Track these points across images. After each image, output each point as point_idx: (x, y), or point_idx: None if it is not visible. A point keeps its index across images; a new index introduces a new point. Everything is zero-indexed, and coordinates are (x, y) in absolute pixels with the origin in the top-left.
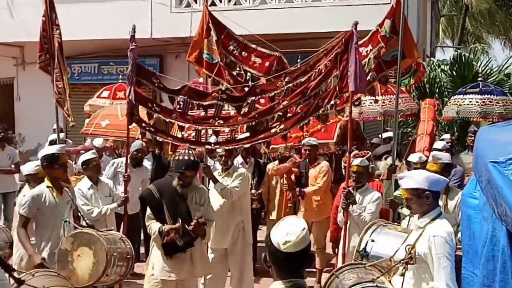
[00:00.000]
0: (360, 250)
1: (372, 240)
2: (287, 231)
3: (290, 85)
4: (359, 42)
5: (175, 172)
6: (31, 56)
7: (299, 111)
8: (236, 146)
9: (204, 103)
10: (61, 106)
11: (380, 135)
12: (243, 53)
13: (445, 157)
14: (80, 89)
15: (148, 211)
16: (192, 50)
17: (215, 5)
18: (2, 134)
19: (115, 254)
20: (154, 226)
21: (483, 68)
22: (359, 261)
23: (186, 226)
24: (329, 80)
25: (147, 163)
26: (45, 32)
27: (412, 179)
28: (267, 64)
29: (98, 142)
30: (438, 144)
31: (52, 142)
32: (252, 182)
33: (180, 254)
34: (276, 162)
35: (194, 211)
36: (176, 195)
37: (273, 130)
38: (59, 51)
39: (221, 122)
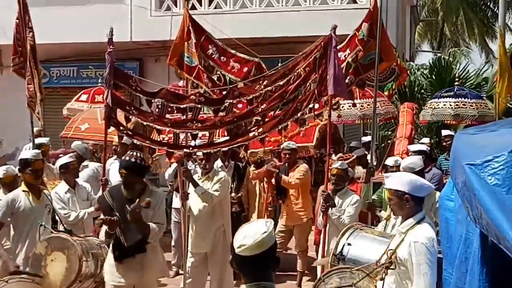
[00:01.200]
0: (337, 254)
1: (349, 244)
2: (245, 235)
3: (269, 88)
4: (338, 47)
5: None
6: (9, 59)
7: (277, 114)
8: (215, 150)
9: (182, 106)
10: (32, 110)
11: (359, 139)
12: (222, 58)
13: (417, 164)
14: (59, 93)
15: (101, 216)
16: (173, 53)
17: (195, 8)
18: None
19: (89, 260)
20: (102, 229)
21: (460, 72)
22: (345, 266)
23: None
24: (308, 84)
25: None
26: (19, 35)
27: (396, 179)
28: (245, 69)
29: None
30: (413, 147)
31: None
32: (232, 185)
33: (130, 259)
34: (252, 167)
35: (145, 215)
36: (126, 200)
37: (251, 134)
38: (31, 54)
39: (199, 125)
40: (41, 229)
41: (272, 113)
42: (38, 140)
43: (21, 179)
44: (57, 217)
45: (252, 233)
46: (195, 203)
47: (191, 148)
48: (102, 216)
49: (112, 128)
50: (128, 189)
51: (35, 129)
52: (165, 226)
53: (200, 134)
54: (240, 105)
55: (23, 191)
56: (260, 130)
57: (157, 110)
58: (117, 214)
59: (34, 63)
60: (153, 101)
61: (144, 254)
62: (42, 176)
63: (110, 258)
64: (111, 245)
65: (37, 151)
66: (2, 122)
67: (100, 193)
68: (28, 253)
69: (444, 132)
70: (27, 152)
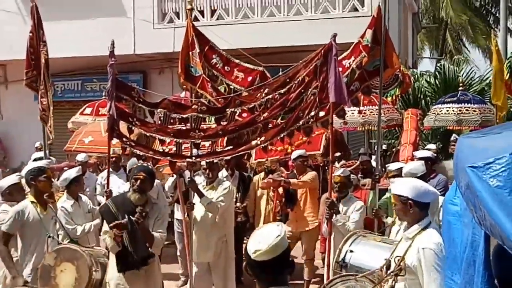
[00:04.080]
0: (339, 261)
1: (351, 251)
2: (259, 240)
3: (270, 96)
4: (343, 55)
5: (131, 180)
6: (14, 74)
7: (279, 123)
8: (217, 158)
9: (184, 116)
10: (45, 123)
11: (364, 146)
12: (226, 67)
13: (419, 169)
14: (64, 107)
15: (105, 226)
16: (181, 63)
17: (197, 20)
18: None
19: (98, 270)
20: (107, 237)
21: (465, 78)
22: (349, 273)
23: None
24: (309, 92)
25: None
26: (33, 49)
27: (400, 185)
28: (249, 79)
29: (81, 156)
30: (418, 153)
31: (37, 160)
32: (237, 195)
33: (134, 271)
34: (262, 174)
35: (150, 226)
36: (132, 209)
37: (253, 142)
38: (45, 68)
39: (201, 134)
40: (49, 241)
41: (274, 122)
42: (36, 154)
43: (26, 192)
44: (56, 231)
45: (266, 237)
46: (199, 213)
47: (193, 158)
48: (111, 224)
49: (115, 140)
50: (141, 194)
51: (38, 143)
52: (166, 235)
53: (200, 145)
54: (244, 114)
55: (32, 202)
56: (262, 138)
57: (159, 121)
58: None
59: (47, 77)
60: (156, 111)
61: (148, 267)
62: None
63: (112, 270)
64: (114, 257)
65: (49, 160)
66: (7, 136)
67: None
68: (36, 264)
69: (453, 137)
70: (40, 162)
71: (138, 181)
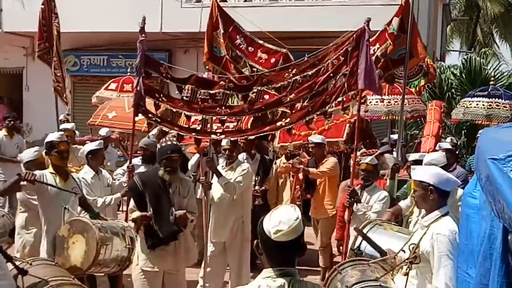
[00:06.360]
0: (354, 248)
1: None
2: (280, 220)
3: (297, 77)
4: None
5: (160, 160)
6: None
7: (305, 106)
8: (241, 137)
9: (211, 92)
10: (59, 94)
11: (388, 135)
12: (250, 48)
13: (440, 161)
14: (89, 81)
15: (132, 203)
16: (206, 43)
17: (225, 1)
18: (12, 122)
19: (108, 243)
20: (133, 216)
21: (492, 72)
22: (363, 258)
23: (170, 216)
24: (338, 77)
25: None
26: (44, 21)
27: (422, 171)
28: (273, 60)
29: (103, 131)
30: (444, 144)
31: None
32: (256, 178)
33: (163, 247)
34: (283, 158)
35: (177, 203)
36: (159, 187)
37: (278, 123)
38: (57, 40)
39: (228, 110)
40: (65, 212)
41: (299, 104)
42: (63, 126)
43: (48, 163)
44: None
45: (286, 218)
46: (217, 193)
47: (218, 135)
48: (137, 214)
49: (140, 116)
50: (173, 174)
51: (62, 115)
52: (197, 215)
53: (225, 125)
54: (266, 96)
55: (50, 173)
56: (288, 120)
57: (186, 98)
58: (148, 200)
59: (60, 49)
60: (183, 87)
61: (177, 242)
62: (68, 158)
63: (142, 246)
64: (143, 233)
65: (61, 133)
66: (32, 108)
67: (124, 179)
68: (54, 234)
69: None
70: (52, 135)
71: (172, 163)
